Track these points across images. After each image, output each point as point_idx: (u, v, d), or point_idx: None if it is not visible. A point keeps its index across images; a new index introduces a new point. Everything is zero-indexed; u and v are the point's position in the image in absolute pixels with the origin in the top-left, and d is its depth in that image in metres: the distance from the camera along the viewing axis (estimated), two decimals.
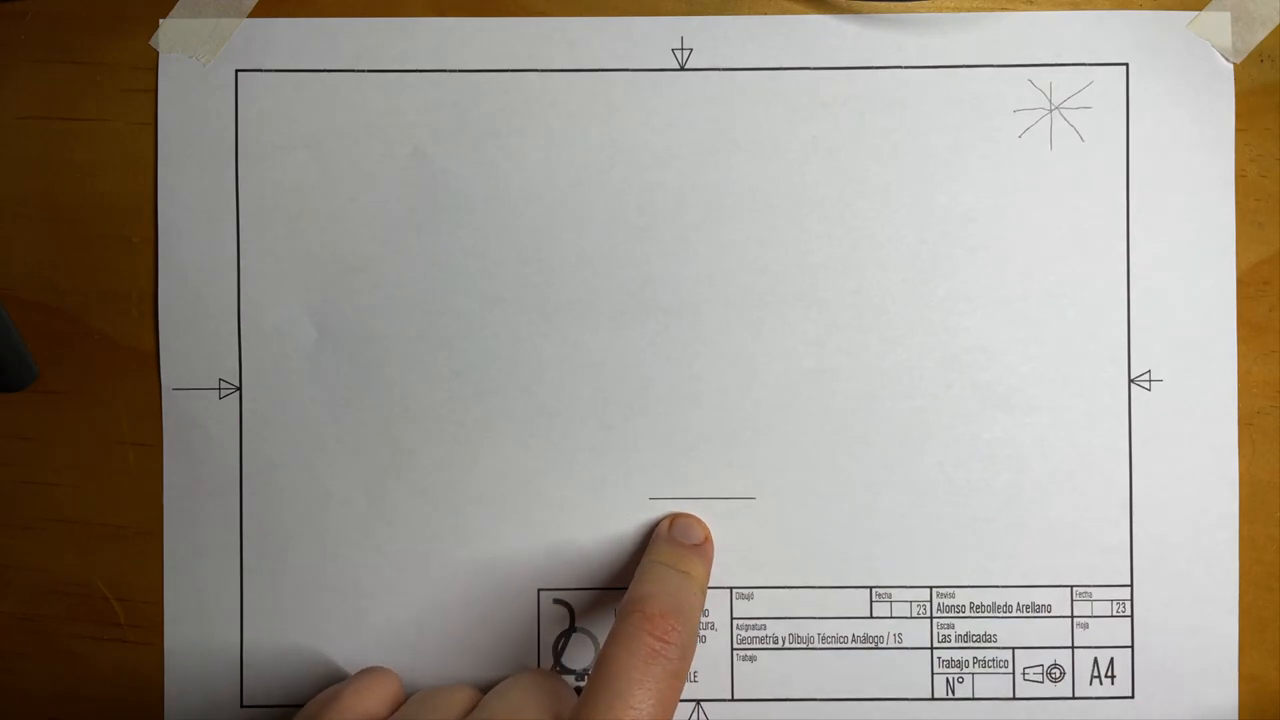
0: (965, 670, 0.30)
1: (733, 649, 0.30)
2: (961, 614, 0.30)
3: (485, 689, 0.28)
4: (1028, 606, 0.30)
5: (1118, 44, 0.30)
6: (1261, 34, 0.30)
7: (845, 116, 0.30)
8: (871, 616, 0.30)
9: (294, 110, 0.30)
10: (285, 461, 0.30)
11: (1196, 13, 0.30)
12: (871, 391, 0.30)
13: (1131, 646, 0.30)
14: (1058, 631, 0.30)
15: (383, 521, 0.30)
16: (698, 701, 0.30)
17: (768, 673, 0.30)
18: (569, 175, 0.30)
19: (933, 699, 0.30)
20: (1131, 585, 0.30)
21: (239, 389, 0.30)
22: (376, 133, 0.30)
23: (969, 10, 0.30)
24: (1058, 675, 0.30)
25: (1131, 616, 0.30)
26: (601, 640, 0.30)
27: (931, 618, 0.30)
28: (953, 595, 0.30)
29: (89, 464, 0.30)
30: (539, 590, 0.30)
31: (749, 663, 0.30)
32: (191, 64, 0.30)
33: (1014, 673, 0.30)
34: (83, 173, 0.30)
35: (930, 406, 0.30)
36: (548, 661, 0.30)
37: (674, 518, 0.30)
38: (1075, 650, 0.30)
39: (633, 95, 0.30)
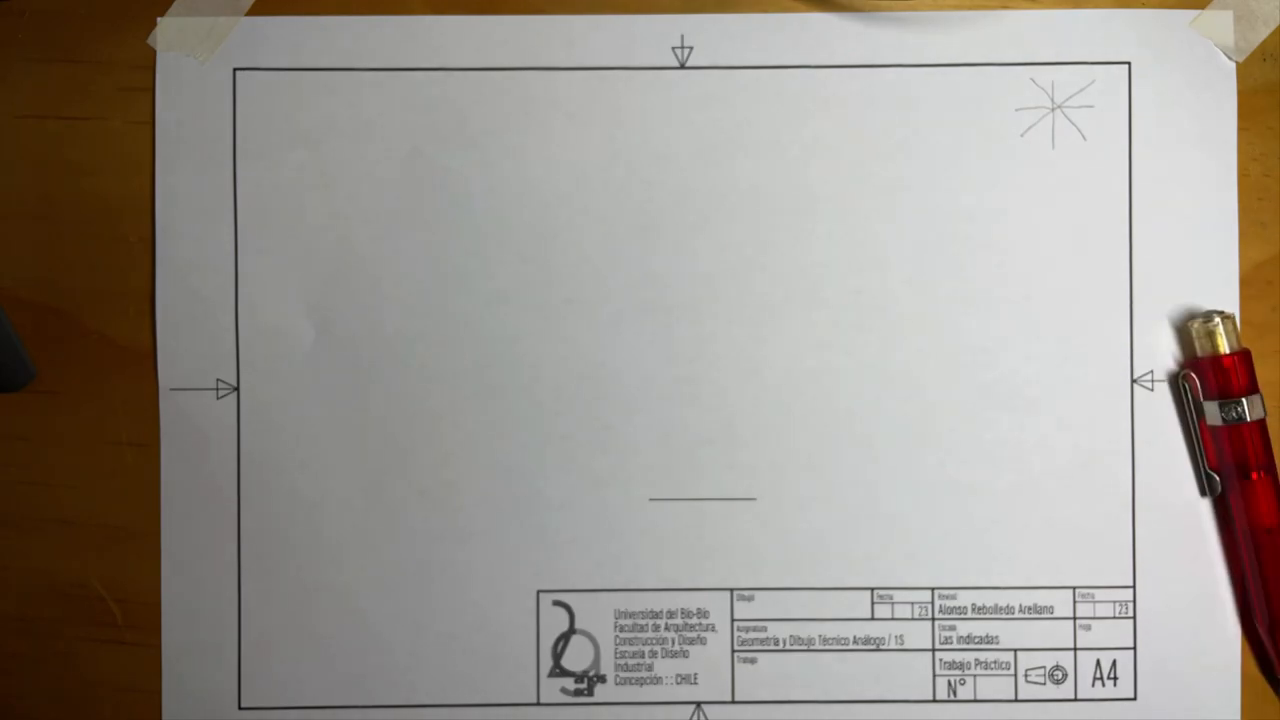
0: (967, 672, 0.30)
1: (733, 651, 0.30)
2: (963, 615, 0.30)
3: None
4: (1030, 608, 0.30)
5: (1120, 43, 0.30)
6: (1264, 32, 0.30)
7: (847, 115, 0.30)
8: (873, 618, 0.30)
9: (292, 109, 0.30)
10: (283, 462, 0.30)
11: (1199, 11, 0.30)
12: (873, 392, 0.30)
13: (1134, 648, 0.30)
14: (1060, 633, 0.30)
15: (381, 522, 0.30)
16: (698, 704, 0.30)
17: (768, 675, 0.30)
18: (569, 174, 0.30)
19: (934, 701, 0.30)
20: (1134, 586, 0.30)
21: (237, 389, 0.30)
22: (376, 132, 0.30)
23: (971, 9, 0.30)
24: (1060, 677, 0.30)
25: (1134, 618, 0.30)
26: (601, 642, 0.30)
27: (933, 619, 0.30)
28: (954, 597, 0.30)
29: (86, 464, 0.30)
30: (538, 591, 0.30)
31: (749, 665, 0.30)
32: (189, 62, 0.30)
33: (1016, 675, 0.30)
34: (80, 172, 0.30)
35: (932, 407, 0.30)
36: (547, 664, 0.30)
37: None
38: (1078, 652, 0.30)
39: (633, 94, 0.30)
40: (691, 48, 0.30)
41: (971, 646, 0.30)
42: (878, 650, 0.30)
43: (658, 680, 0.30)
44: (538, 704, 0.30)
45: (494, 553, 0.30)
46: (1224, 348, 0.29)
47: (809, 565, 0.30)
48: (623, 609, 0.30)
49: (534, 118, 0.30)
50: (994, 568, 0.30)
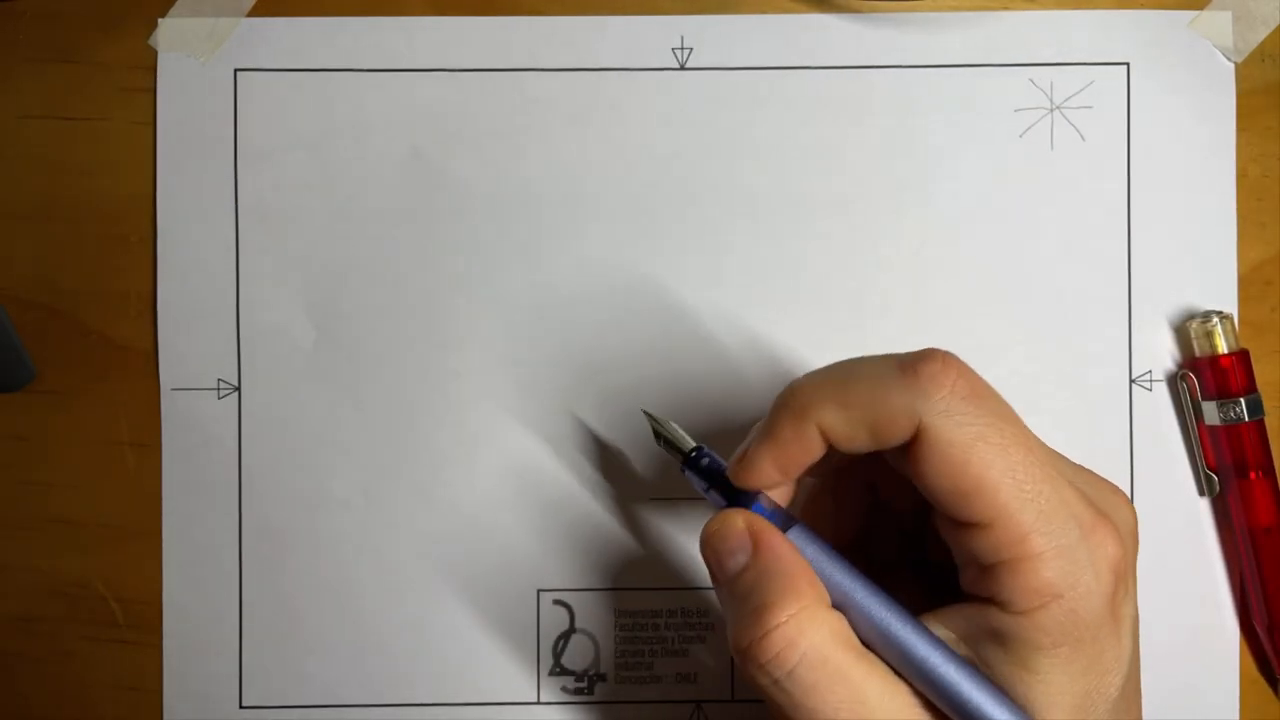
0: None
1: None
2: None
3: None
4: None
5: (1119, 43, 0.30)
6: (1263, 33, 0.30)
7: (846, 116, 0.30)
8: None
9: (293, 110, 0.30)
10: (284, 462, 0.30)
11: (1198, 12, 0.30)
12: None
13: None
14: None
15: (382, 522, 0.30)
16: (698, 703, 0.30)
17: None
18: (569, 175, 0.30)
19: None
20: None
21: (238, 389, 0.30)
22: (376, 132, 0.30)
23: (970, 9, 0.30)
24: None
25: None
26: (601, 641, 0.30)
27: None
28: None
29: (88, 464, 0.30)
30: (538, 591, 0.30)
31: None
32: (190, 63, 0.30)
33: None
34: (81, 172, 0.30)
35: None
36: (547, 663, 0.30)
37: None
38: None
39: (633, 95, 0.30)
40: (691, 49, 0.30)
41: None
42: None
43: (658, 679, 0.30)
44: (538, 703, 0.30)
45: (494, 552, 0.30)
46: (1222, 348, 0.29)
47: None
48: (623, 608, 0.30)
49: (534, 119, 0.30)
50: None
